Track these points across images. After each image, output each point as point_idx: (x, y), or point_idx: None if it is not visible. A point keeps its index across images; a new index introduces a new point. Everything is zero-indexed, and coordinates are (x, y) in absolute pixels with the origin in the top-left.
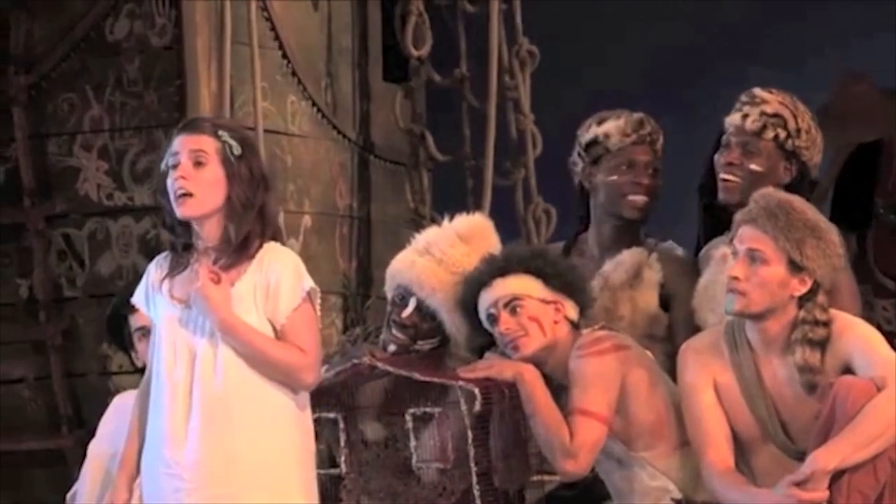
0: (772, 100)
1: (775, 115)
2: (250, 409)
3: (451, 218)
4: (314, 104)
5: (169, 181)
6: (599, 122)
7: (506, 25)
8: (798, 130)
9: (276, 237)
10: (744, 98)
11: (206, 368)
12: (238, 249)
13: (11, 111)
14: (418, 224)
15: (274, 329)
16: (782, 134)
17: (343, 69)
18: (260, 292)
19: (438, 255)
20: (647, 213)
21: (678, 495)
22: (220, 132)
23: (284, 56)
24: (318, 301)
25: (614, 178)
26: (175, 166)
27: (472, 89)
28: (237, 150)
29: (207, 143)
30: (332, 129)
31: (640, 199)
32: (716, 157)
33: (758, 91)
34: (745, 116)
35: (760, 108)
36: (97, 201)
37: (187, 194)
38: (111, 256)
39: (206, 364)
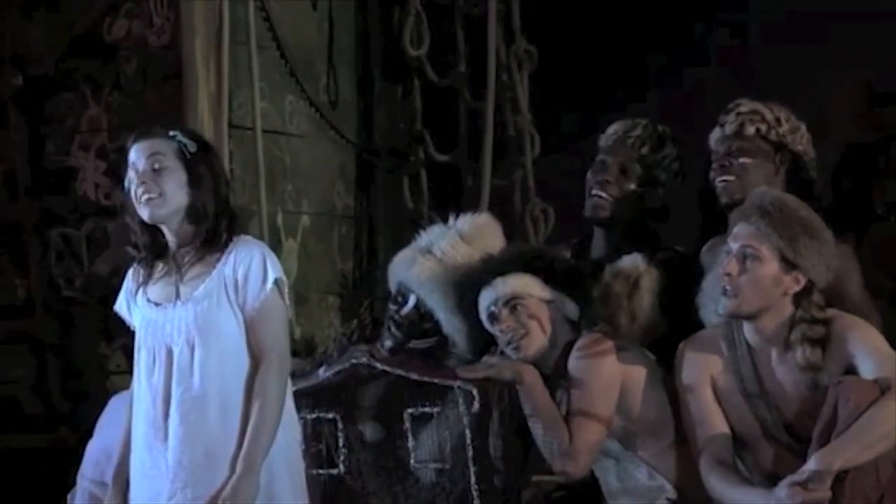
0: (744, 102)
1: (751, 112)
2: (229, 409)
3: (456, 217)
4: (312, 104)
5: (133, 190)
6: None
7: (504, 25)
8: (777, 119)
9: (242, 228)
10: (720, 116)
11: (183, 369)
12: (206, 245)
13: (8, 111)
14: (417, 224)
15: (244, 318)
16: (762, 127)
17: (342, 69)
18: (230, 285)
19: (439, 255)
20: (610, 216)
21: (674, 495)
22: (172, 132)
23: (283, 56)
24: (287, 291)
25: (588, 174)
26: (136, 173)
27: (471, 89)
28: (192, 146)
29: (163, 146)
30: (331, 129)
31: (600, 196)
32: (710, 174)
33: (730, 105)
34: (723, 125)
35: (735, 111)
36: (95, 201)
37: (151, 197)
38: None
39: (184, 365)
